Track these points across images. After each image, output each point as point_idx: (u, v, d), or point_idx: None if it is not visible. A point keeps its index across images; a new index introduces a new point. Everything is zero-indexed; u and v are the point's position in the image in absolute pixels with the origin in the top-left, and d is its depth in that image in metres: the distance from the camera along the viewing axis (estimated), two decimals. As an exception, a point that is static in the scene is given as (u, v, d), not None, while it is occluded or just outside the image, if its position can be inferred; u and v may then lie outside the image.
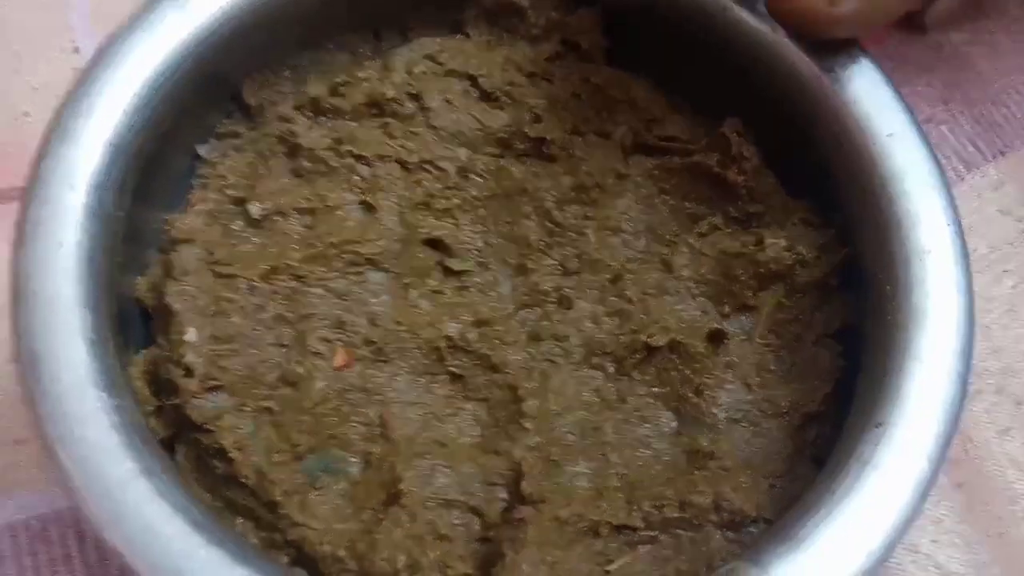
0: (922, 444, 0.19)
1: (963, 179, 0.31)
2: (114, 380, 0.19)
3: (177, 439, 0.22)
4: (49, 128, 0.21)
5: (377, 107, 0.25)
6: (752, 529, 0.21)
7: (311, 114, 0.25)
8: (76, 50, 0.32)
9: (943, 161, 0.31)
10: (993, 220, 0.30)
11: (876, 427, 0.19)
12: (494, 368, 0.23)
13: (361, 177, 0.24)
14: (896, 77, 0.32)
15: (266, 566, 0.17)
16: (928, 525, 0.26)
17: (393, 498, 0.21)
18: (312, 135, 0.24)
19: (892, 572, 0.25)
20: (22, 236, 0.19)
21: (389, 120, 0.25)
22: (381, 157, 0.24)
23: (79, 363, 0.19)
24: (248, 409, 0.22)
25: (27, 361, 0.19)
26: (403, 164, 0.25)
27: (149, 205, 0.22)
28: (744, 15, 0.25)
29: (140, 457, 0.18)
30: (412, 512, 0.21)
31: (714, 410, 0.23)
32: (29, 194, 0.20)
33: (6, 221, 0.29)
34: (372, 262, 0.24)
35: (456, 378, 0.23)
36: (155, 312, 0.23)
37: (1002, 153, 0.31)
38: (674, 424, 0.23)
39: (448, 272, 0.24)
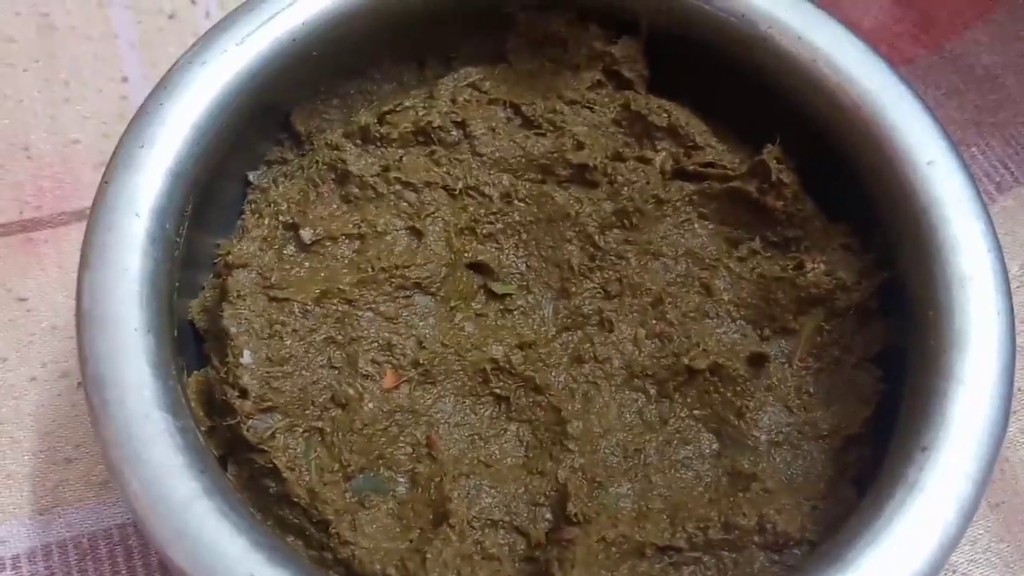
0: (966, 467, 0.19)
1: (995, 201, 0.31)
2: (176, 402, 0.19)
3: (229, 458, 0.22)
4: (114, 156, 0.21)
5: (423, 135, 0.26)
6: (796, 551, 0.21)
7: (360, 142, 0.25)
8: (124, 79, 0.33)
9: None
10: (1027, 242, 0.30)
11: (921, 451, 0.20)
12: (537, 390, 0.24)
13: (408, 203, 0.25)
14: (928, 99, 0.33)
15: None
16: (965, 545, 0.26)
17: (441, 517, 0.21)
18: (361, 163, 0.25)
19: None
20: (88, 261, 0.20)
21: (435, 148, 0.26)
22: (428, 184, 0.25)
23: (143, 386, 0.19)
24: (300, 429, 0.22)
25: (93, 385, 0.19)
26: (448, 190, 0.25)
27: (203, 230, 0.23)
28: (784, 42, 0.25)
29: (202, 478, 0.19)
30: (460, 531, 0.21)
31: (755, 432, 0.23)
32: (94, 220, 0.21)
33: (56, 245, 0.30)
34: (419, 286, 0.24)
35: (500, 399, 0.24)
36: (208, 334, 0.23)
37: (1034, 176, 0.32)
38: (715, 446, 0.24)
39: (492, 295, 0.25)
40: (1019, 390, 0.28)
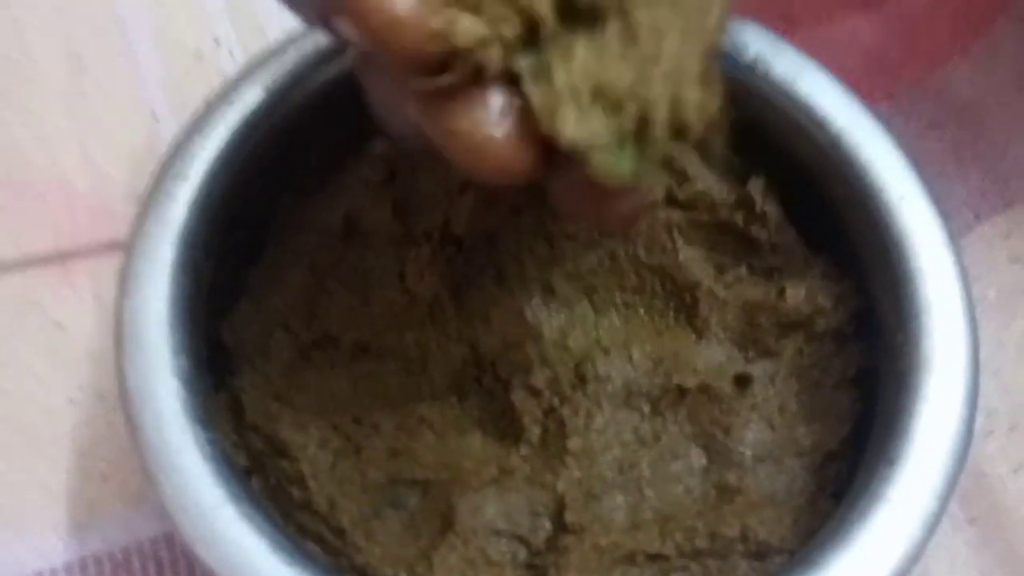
0: (930, 480, 0.21)
1: (972, 229, 0.33)
2: (206, 416, 0.21)
3: (254, 471, 0.24)
4: (149, 190, 0.24)
5: None
6: (776, 559, 0.23)
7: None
8: (153, 117, 0.35)
9: (953, 212, 0.33)
10: (1002, 267, 0.32)
11: (888, 465, 0.21)
12: (549, 409, 0.25)
13: None
14: (908, 132, 0.35)
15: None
16: (944, 557, 0.27)
17: (447, 526, 0.23)
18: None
19: (910, 602, 0.27)
20: (125, 288, 0.22)
21: None
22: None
23: (175, 401, 0.21)
24: (333, 445, 0.24)
25: (130, 399, 0.21)
26: None
27: (229, 256, 0.25)
28: (772, 88, 0.27)
29: (228, 484, 0.20)
30: (465, 539, 0.23)
31: (741, 448, 0.25)
32: (132, 249, 0.23)
33: (91, 273, 0.32)
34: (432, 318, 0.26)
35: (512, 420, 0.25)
36: (236, 352, 0.25)
37: (1010, 205, 0.33)
38: (704, 461, 0.25)
39: None
40: (996, 410, 0.30)
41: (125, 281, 0.22)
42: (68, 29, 0.36)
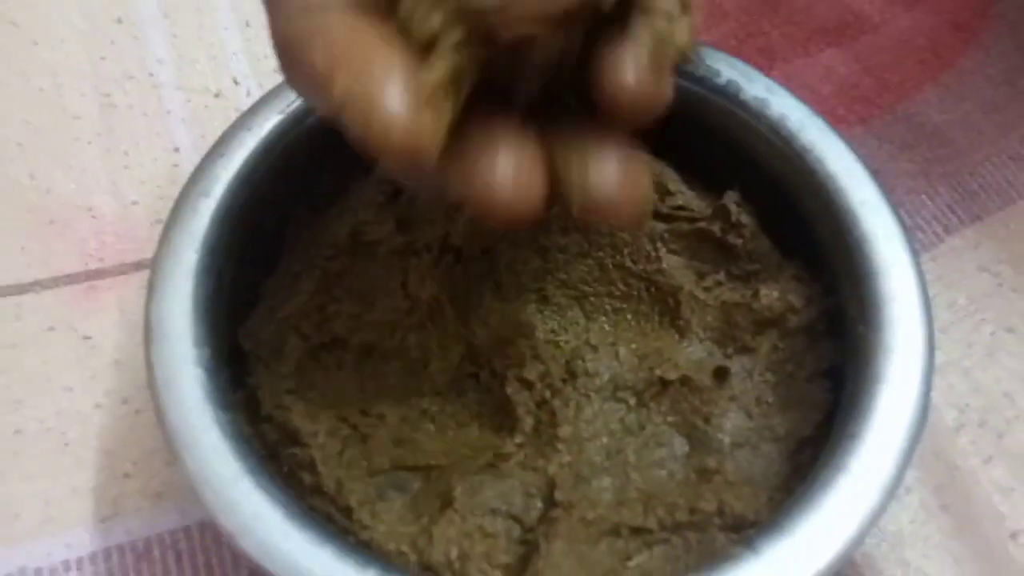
0: (888, 451, 0.23)
1: (943, 240, 0.35)
2: (225, 400, 0.23)
3: (268, 459, 0.26)
4: (176, 204, 0.26)
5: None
6: (751, 531, 0.24)
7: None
8: (176, 150, 0.38)
9: (924, 226, 0.35)
10: (971, 275, 0.34)
11: (849, 439, 0.23)
12: (541, 401, 0.27)
13: None
14: (881, 154, 0.37)
15: (342, 544, 0.21)
16: (918, 542, 0.29)
17: (446, 505, 0.25)
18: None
19: (885, 583, 0.28)
20: (154, 287, 0.24)
21: None
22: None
23: (198, 387, 0.23)
24: (343, 433, 0.26)
25: (159, 386, 0.23)
26: None
27: (248, 265, 0.27)
28: (746, 112, 0.30)
29: (246, 460, 0.22)
30: (463, 516, 0.25)
31: (720, 435, 0.27)
32: (160, 254, 0.25)
33: (117, 291, 0.34)
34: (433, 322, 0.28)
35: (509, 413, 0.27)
36: (253, 355, 0.27)
37: (979, 218, 0.35)
38: (686, 448, 0.27)
39: None
40: (967, 406, 0.31)
41: (153, 282, 0.25)
42: (98, 71, 0.39)
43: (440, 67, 0.18)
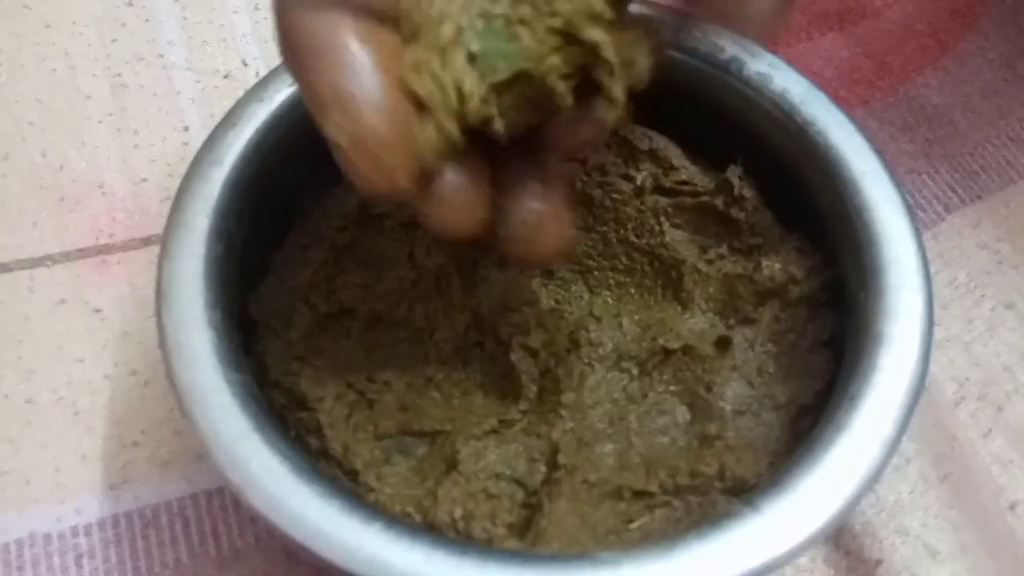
0: (888, 410, 0.23)
1: (943, 219, 0.35)
2: (236, 360, 0.24)
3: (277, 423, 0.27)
4: (189, 171, 0.26)
5: None
6: (753, 491, 0.25)
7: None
8: (185, 129, 0.38)
9: (925, 205, 0.35)
10: (972, 253, 0.34)
11: (849, 399, 0.23)
12: (545, 370, 0.28)
13: None
14: (882, 135, 0.38)
15: (349, 499, 0.22)
16: (917, 512, 0.29)
17: (451, 468, 0.25)
18: None
19: (884, 550, 0.29)
20: (166, 250, 0.25)
21: None
22: None
23: (209, 347, 0.23)
24: (349, 398, 0.26)
25: (170, 346, 0.24)
26: None
27: (258, 235, 0.28)
28: (750, 87, 0.30)
29: (255, 417, 0.23)
30: (467, 478, 0.25)
31: (721, 403, 0.27)
32: (172, 218, 0.25)
33: (127, 265, 0.35)
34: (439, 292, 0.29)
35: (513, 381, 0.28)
36: (262, 323, 0.28)
37: (979, 197, 0.36)
38: (688, 416, 0.27)
39: None
40: (967, 380, 0.32)
41: (165, 245, 0.25)
42: (110, 52, 0.40)
43: (428, 130, 0.21)
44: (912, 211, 0.27)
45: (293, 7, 0.21)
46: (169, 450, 0.31)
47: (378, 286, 0.29)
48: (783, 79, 0.30)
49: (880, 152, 0.28)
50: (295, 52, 0.21)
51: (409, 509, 0.25)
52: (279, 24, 0.21)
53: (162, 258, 0.25)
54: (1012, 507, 0.29)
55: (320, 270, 0.29)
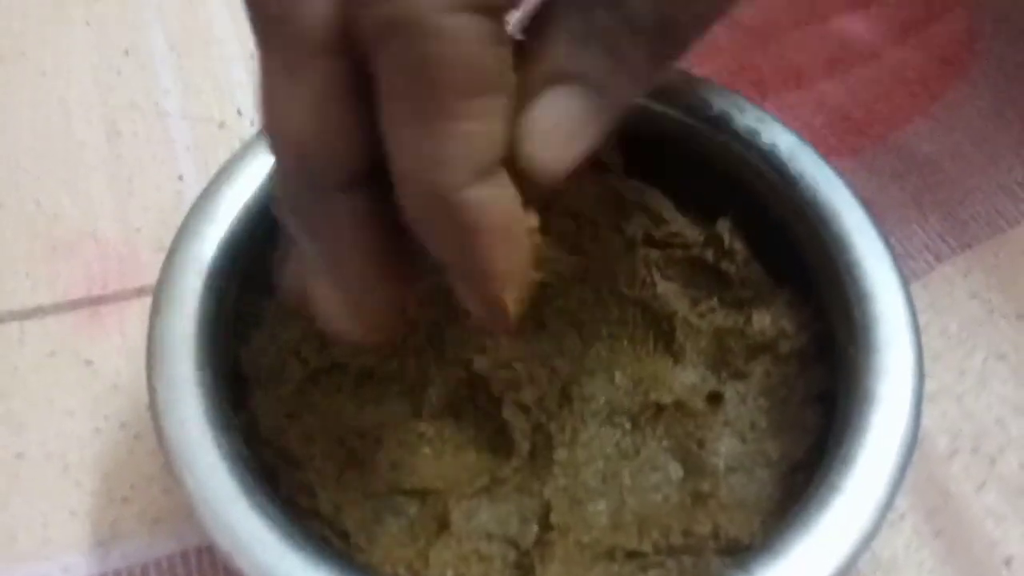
0: (881, 471, 0.23)
1: (934, 268, 0.35)
2: (226, 423, 0.24)
3: (267, 482, 0.26)
4: (181, 228, 0.27)
5: None
6: (745, 555, 0.25)
7: None
8: (180, 178, 0.38)
9: (915, 254, 0.36)
10: (963, 303, 0.34)
11: (842, 460, 0.23)
12: (537, 425, 0.27)
13: None
14: (872, 183, 0.38)
15: (340, 564, 0.22)
16: (912, 568, 0.29)
17: (443, 528, 0.25)
18: None
19: (879, 606, 0.28)
20: (158, 308, 0.25)
21: None
22: None
23: (199, 408, 0.23)
24: (339, 454, 0.26)
25: (160, 407, 0.24)
26: None
27: (250, 290, 0.28)
28: (739, 143, 0.30)
29: (244, 481, 0.23)
30: (459, 539, 0.25)
31: (714, 459, 0.27)
32: (164, 277, 0.25)
33: (119, 316, 0.35)
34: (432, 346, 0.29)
35: (504, 436, 0.28)
36: (252, 378, 0.28)
37: (969, 246, 0.36)
38: (680, 473, 0.27)
39: None
40: (960, 432, 0.32)
41: (157, 303, 0.25)
42: (105, 100, 0.40)
43: None
44: (900, 266, 0.27)
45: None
46: (159, 507, 0.31)
47: None
48: (771, 134, 0.30)
49: (868, 206, 0.29)
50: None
51: (400, 571, 0.24)
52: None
53: (153, 316, 0.25)
54: (1007, 562, 0.29)
55: (312, 324, 0.29)
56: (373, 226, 0.20)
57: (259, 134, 0.29)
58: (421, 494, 0.26)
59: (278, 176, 0.21)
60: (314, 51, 0.18)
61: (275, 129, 0.19)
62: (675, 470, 0.27)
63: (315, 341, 0.29)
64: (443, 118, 0.17)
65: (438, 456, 0.27)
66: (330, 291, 0.20)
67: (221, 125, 0.40)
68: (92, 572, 0.29)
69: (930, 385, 0.25)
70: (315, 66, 0.18)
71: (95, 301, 0.35)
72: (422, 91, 0.17)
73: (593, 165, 0.31)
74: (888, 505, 0.23)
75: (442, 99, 0.17)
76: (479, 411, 0.28)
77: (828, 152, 0.30)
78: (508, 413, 0.27)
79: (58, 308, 0.35)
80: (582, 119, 0.20)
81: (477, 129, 0.18)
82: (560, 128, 0.20)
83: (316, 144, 0.19)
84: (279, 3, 0.18)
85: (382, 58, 0.17)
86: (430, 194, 0.18)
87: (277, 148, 0.20)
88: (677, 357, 0.29)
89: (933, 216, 0.37)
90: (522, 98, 0.19)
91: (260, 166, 0.29)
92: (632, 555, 0.25)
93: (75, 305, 0.35)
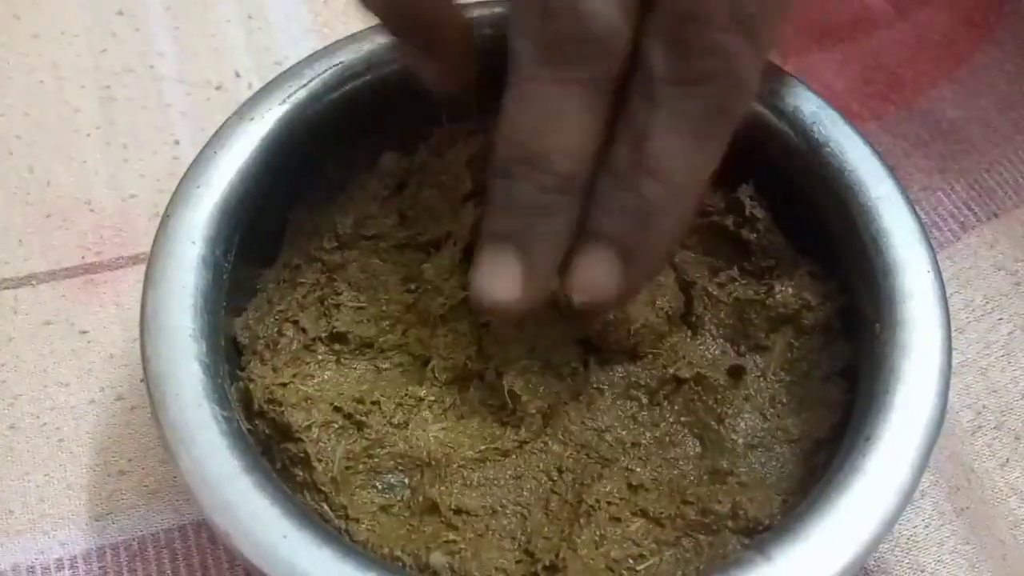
0: (905, 453, 0.22)
1: (959, 239, 0.34)
2: (223, 396, 0.23)
3: (263, 455, 0.25)
4: (174, 195, 0.25)
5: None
6: (764, 536, 0.24)
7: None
8: (176, 143, 0.37)
9: (940, 223, 0.34)
10: (988, 275, 0.33)
11: (865, 440, 0.22)
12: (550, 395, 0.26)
13: None
14: (896, 150, 0.36)
15: (341, 546, 0.21)
16: (933, 547, 0.28)
17: (445, 505, 0.24)
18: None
19: (900, 588, 0.28)
20: (151, 279, 0.24)
21: None
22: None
23: (195, 381, 0.22)
24: (336, 426, 0.25)
25: (154, 380, 0.23)
26: None
27: (247, 259, 0.27)
28: (760, 105, 0.29)
29: (243, 457, 0.22)
30: (462, 513, 0.24)
31: (733, 436, 0.26)
32: (157, 246, 0.24)
33: (114, 285, 0.34)
34: (444, 319, 0.27)
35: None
36: (248, 348, 0.27)
37: (995, 215, 0.34)
38: (698, 448, 0.26)
39: None
40: (984, 408, 0.31)
41: (150, 274, 0.24)
42: (99, 64, 0.38)
43: None
44: (929, 238, 0.26)
45: None
46: (157, 479, 0.30)
47: (372, 310, 0.28)
48: (795, 96, 0.29)
49: (896, 175, 0.27)
50: None
51: (400, 547, 0.24)
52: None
53: (147, 287, 0.24)
54: (1031, 541, 0.28)
55: (311, 292, 0.28)
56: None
57: (255, 94, 0.28)
58: (421, 465, 0.25)
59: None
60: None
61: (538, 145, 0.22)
62: (693, 446, 0.26)
63: (314, 309, 0.28)
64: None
65: (439, 423, 0.26)
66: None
67: (218, 88, 0.39)
68: (89, 547, 0.29)
69: (954, 358, 0.24)
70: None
71: (90, 269, 0.34)
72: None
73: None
74: (912, 488, 0.22)
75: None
76: (486, 385, 0.27)
77: (850, 118, 0.29)
78: (520, 383, 0.26)
79: (52, 276, 0.34)
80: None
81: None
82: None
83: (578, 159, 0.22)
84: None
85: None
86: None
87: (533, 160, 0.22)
88: (695, 329, 0.28)
89: (958, 184, 0.35)
90: None
91: (257, 129, 0.27)
92: (650, 521, 0.24)
93: (69, 274, 0.34)
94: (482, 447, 0.25)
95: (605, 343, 0.27)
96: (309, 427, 0.25)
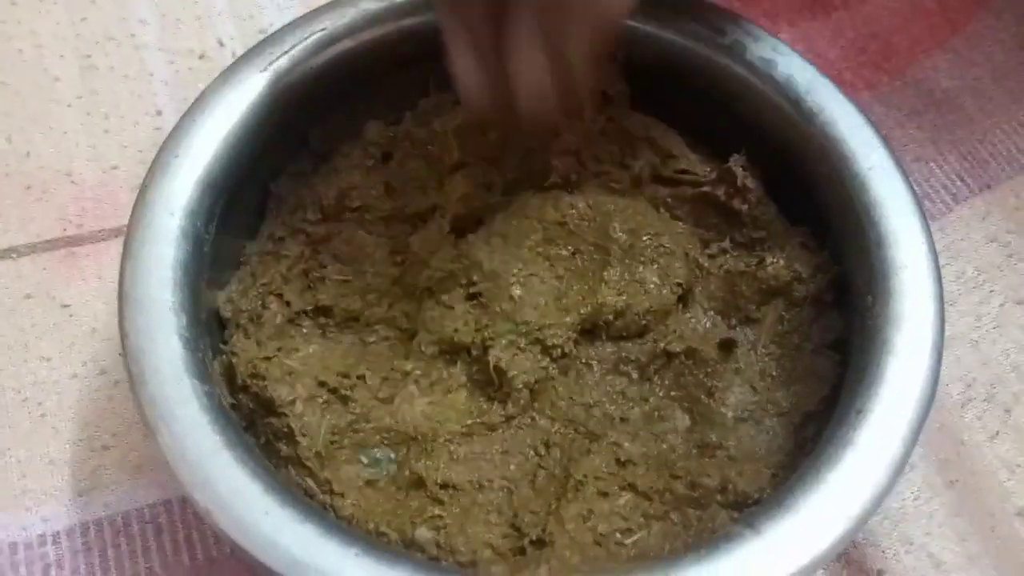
0: (896, 426, 0.22)
1: (951, 210, 0.34)
2: (204, 371, 0.22)
3: (246, 430, 0.25)
4: (153, 165, 0.25)
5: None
6: (754, 509, 0.23)
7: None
8: (158, 113, 0.36)
9: (932, 194, 0.34)
10: (980, 246, 0.33)
11: (856, 413, 0.22)
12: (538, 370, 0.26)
13: None
14: (888, 120, 0.36)
15: (325, 522, 0.20)
16: (922, 519, 0.28)
17: (431, 480, 0.24)
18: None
19: (887, 560, 0.28)
20: (129, 252, 0.23)
21: None
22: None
23: (175, 356, 0.22)
24: (320, 400, 0.25)
25: (132, 355, 0.22)
26: None
27: (229, 230, 0.26)
28: (753, 74, 0.28)
29: (224, 433, 0.21)
30: (448, 487, 0.24)
31: (723, 409, 0.26)
32: (135, 217, 0.24)
33: (96, 258, 0.33)
34: (430, 292, 0.27)
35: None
36: (231, 321, 0.26)
37: (988, 187, 0.34)
38: (688, 423, 0.26)
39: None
40: (974, 380, 0.31)
41: (129, 246, 0.24)
42: (79, 32, 0.38)
43: None
44: (922, 209, 0.25)
45: None
46: (140, 454, 0.29)
47: (357, 283, 0.28)
48: (788, 65, 0.28)
49: (889, 145, 0.27)
50: None
51: (386, 522, 0.23)
52: None
53: (125, 259, 0.23)
54: (1020, 513, 0.28)
55: (295, 265, 0.28)
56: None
57: (236, 62, 0.27)
58: (406, 440, 0.25)
59: None
60: None
61: None
62: (682, 420, 0.26)
63: (298, 282, 0.27)
64: None
65: (425, 397, 0.26)
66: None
67: (201, 57, 0.38)
68: (73, 522, 0.28)
69: (945, 330, 0.24)
70: None
71: (71, 242, 0.33)
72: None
73: (597, 97, 0.30)
74: (903, 462, 0.22)
75: None
76: (473, 359, 0.27)
77: (843, 87, 0.28)
78: (506, 359, 0.26)
79: (32, 249, 0.33)
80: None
81: None
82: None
83: None
84: None
85: None
86: None
87: None
88: (686, 302, 0.28)
89: (951, 155, 0.35)
90: None
91: (237, 97, 0.27)
92: (638, 496, 0.24)
93: (50, 247, 0.33)
94: (469, 422, 0.25)
95: (603, 312, 0.27)
96: (293, 401, 0.24)
